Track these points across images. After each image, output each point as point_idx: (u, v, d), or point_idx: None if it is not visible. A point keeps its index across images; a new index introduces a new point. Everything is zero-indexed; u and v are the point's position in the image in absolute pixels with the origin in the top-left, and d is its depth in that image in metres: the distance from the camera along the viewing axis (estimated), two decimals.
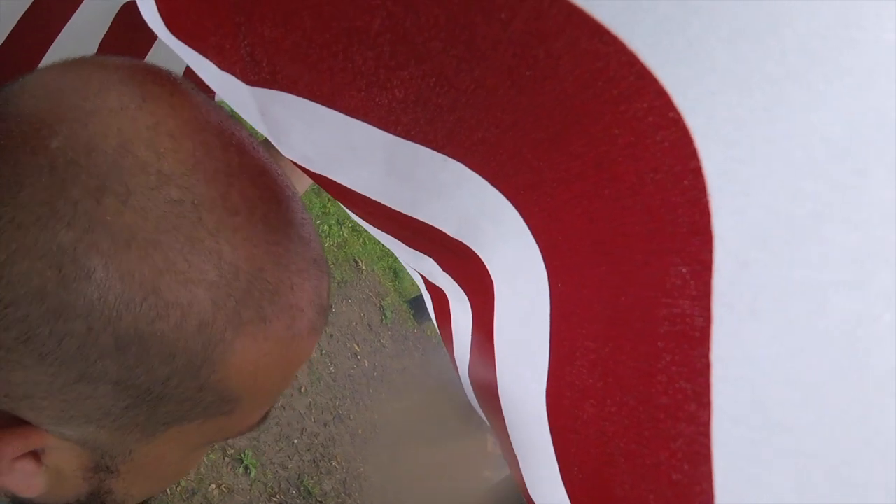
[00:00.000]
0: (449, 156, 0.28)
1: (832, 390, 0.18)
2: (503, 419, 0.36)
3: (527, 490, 0.35)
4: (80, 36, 0.68)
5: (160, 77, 0.29)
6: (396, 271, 4.36)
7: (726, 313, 0.20)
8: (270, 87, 0.27)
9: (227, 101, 0.32)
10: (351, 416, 3.19)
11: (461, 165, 0.28)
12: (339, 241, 3.85)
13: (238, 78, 0.28)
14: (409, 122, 0.26)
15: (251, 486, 2.42)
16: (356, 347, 3.57)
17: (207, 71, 0.30)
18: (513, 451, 0.36)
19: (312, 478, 2.74)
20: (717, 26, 0.19)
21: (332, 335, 3.39)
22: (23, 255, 0.24)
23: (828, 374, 0.19)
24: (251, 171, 0.29)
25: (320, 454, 2.86)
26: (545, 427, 0.29)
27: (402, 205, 0.34)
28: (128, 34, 0.72)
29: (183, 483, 2.17)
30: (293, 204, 0.31)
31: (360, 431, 3.19)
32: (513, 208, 0.29)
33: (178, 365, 0.27)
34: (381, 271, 4.21)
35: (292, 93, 0.27)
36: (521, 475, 0.35)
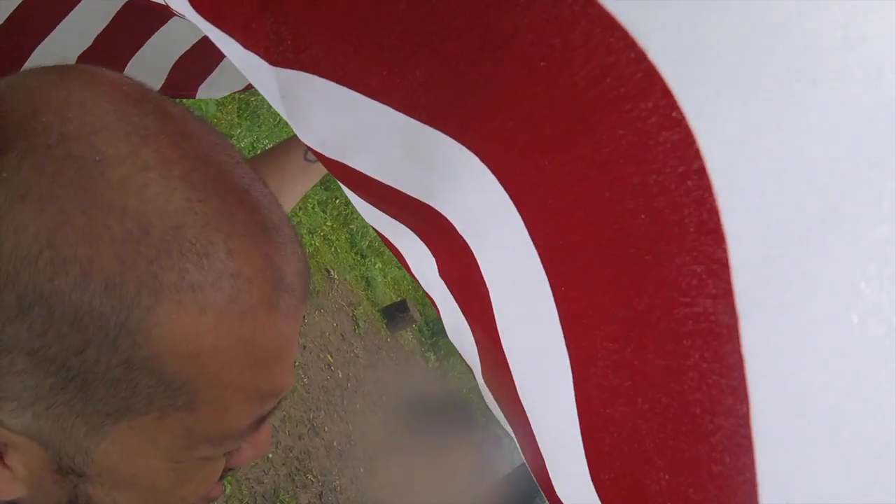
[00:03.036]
0: (465, 145, 0.28)
1: (874, 381, 0.19)
2: (528, 421, 0.36)
3: (553, 490, 0.34)
4: (77, 30, 0.69)
5: (85, 66, 0.29)
6: (369, 280, 4.34)
7: (753, 310, 0.21)
8: (293, 68, 0.28)
9: (252, 81, 0.33)
10: (326, 429, 3.16)
11: (475, 157, 0.28)
12: (311, 250, 3.82)
13: (262, 57, 0.29)
14: (428, 104, 0.26)
15: (227, 502, 2.37)
16: (329, 358, 3.53)
17: (233, 50, 0.31)
18: (538, 451, 0.36)
19: (288, 492, 2.69)
20: (726, 25, 0.19)
21: (304, 346, 3.35)
22: None
23: (868, 364, 0.19)
24: (174, 135, 0.28)
25: (296, 468, 2.81)
26: (576, 428, 0.29)
27: (417, 190, 0.34)
28: (122, 34, 0.73)
29: None
30: (235, 169, 0.29)
31: (335, 444, 3.15)
32: (515, 210, 0.29)
33: (90, 332, 0.25)
34: (354, 280, 4.18)
35: (314, 73, 0.28)
36: (549, 475, 0.35)
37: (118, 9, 0.69)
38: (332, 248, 4.04)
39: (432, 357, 4.70)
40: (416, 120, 0.28)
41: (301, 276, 0.31)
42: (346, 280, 4.09)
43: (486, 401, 0.47)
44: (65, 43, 0.68)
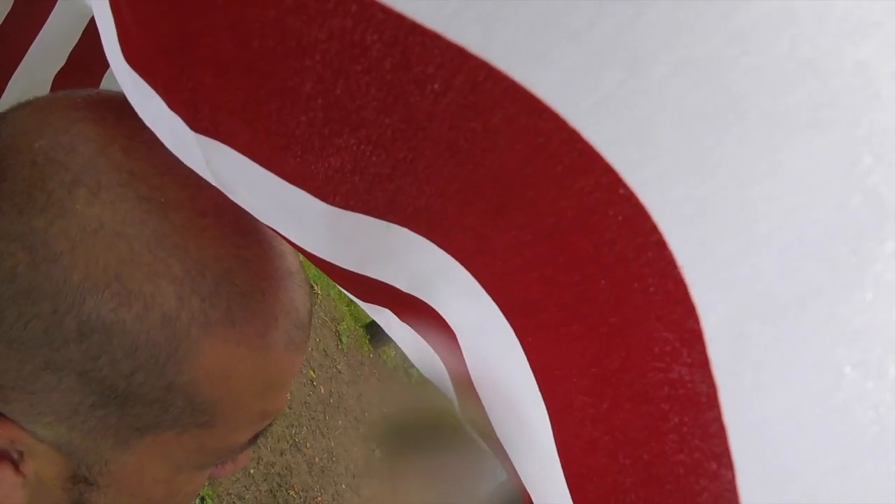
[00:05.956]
0: (392, 222, 0.27)
1: (861, 468, 0.18)
2: (511, 463, 0.35)
3: None
4: (51, 47, 0.68)
5: None
6: None
7: (732, 383, 0.20)
8: (213, 138, 0.26)
9: (169, 146, 0.29)
10: (308, 445, 3.13)
11: (405, 230, 0.27)
12: None
13: (184, 121, 0.27)
14: (346, 191, 0.25)
15: None
16: (312, 374, 3.52)
17: (156, 108, 0.28)
18: (524, 488, 0.35)
19: None
20: (667, 107, 0.18)
21: None
22: None
23: (855, 451, 0.18)
24: None
25: (277, 484, 2.79)
26: (559, 473, 0.28)
27: (349, 264, 0.33)
28: (97, 47, 0.74)
29: None
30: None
31: (316, 460, 3.13)
32: (464, 270, 0.28)
33: (142, 359, 0.27)
34: (337, 295, 4.17)
35: (234, 147, 0.26)
36: None
37: (85, 25, 0.69)
38: None
39: (415, 373, 4.69)
40: (337, 207, 0.26)
41: (309, 314, 0.34)
42: (329, 295, 4.09)
43: (470, 433, 0.45)
44: (41, 62, 0.68)
